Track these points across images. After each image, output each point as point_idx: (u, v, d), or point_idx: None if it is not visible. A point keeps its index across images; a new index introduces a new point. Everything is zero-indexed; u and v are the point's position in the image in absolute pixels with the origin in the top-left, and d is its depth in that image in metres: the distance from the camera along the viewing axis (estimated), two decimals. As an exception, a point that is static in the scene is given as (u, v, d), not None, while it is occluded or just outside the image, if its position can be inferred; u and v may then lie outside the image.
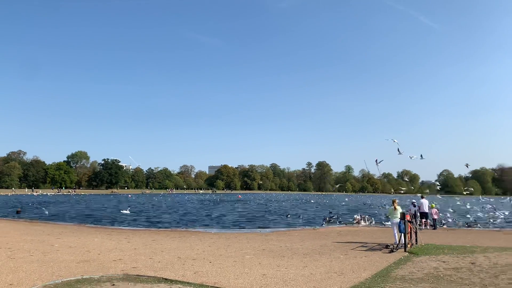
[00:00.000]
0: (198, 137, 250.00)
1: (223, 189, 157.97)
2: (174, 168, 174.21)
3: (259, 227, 22.75)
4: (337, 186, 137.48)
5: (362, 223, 23.69)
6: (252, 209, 42.06)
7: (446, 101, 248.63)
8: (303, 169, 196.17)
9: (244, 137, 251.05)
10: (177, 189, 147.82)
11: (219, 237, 17.19)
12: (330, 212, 34.53)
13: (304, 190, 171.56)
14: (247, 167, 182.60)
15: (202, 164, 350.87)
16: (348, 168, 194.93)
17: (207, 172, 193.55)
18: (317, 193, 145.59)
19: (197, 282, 7.70)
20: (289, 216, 31.46)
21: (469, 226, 23.72)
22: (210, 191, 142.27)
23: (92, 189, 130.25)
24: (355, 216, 25.56)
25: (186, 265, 9.73)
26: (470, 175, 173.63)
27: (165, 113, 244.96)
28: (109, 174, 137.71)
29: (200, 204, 49.75)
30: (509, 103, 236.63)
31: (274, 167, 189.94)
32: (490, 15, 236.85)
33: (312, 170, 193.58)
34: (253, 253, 12.05)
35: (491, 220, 26.99)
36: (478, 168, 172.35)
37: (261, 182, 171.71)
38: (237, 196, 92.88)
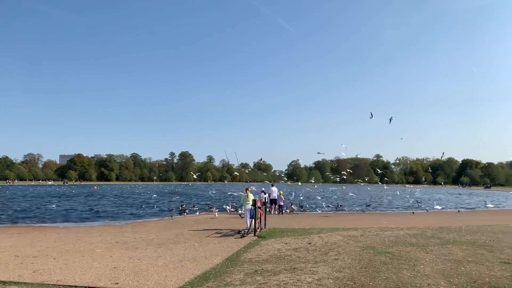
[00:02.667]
0: (46, 122, 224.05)
1: (77, 180, 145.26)
2: (17, 157, 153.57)
3: (113, 219, 21.72)
4: (197, 175, 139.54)
5: (217, 212, 24.58)
6: (108, 200, 39.79)
7: (296, 98, 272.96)
8: (166, 159, 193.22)
9: (101, 124, 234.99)
10: (21, 180, 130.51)
11: (68, 232, 15.89)
12: (182, 202, 35.11)
13: (166, 180, 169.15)
14: (105, 156, 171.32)
15: (52, 152, 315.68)
16: (210, 158, 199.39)
17: (58, 162, 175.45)
18: (179, 183, 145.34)
19: (36, 282, 7.05)
20: (143, 206, 30.86)
21: (304, 210, 26.70)
22: (61, 183, 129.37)
23: None
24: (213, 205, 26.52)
25: (25, 263, 8.79)
26: (314, 166, 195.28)
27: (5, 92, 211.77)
28: None
29: (49, 197, 44.82)
30: (344, 101, 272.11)
31: (134, 157, 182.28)
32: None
33: (175, 160, 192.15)
34: (104, 246, 11.51)
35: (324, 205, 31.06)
36: (320, 160, 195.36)
37: (120, 172, 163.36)
38: (93, 187, 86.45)
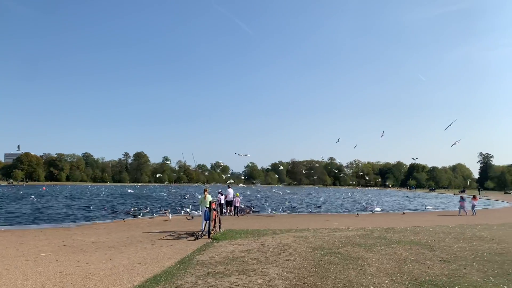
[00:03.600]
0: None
1: (23, 180, 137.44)
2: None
3: (62, 221, 20.81)
4: (157, 175, 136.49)
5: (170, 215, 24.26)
6: (57, 202, 38.02)
7: (253, 100, 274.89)
8: (120, 159, 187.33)
9: (52, 122, 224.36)
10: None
11: (11, 235, 15.00)
12: (132, 203, 34.37)
13: (119, 181, 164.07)
14: (55, 155, 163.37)
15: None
16: (166, 159, 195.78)
17: (3, 161, 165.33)
18: (133, 184, 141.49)
19: (-29, 289, 6.65)
20: (91, 207, 29.85)
21: (257, 212, 26.95)
22: (6, 183, 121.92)
23: None
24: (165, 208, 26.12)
25: (-40, 270, 8.24)
26: (270, 167, 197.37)
27: None
28: None
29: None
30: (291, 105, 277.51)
31: (87, 156, 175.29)
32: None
33: (129, 160, 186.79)
34: (51, 250, 11.02)
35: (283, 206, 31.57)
36: (276, 161, 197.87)
37: (70, 172, 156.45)
38: (42, 188, 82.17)
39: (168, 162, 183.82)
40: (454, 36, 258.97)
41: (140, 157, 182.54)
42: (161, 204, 35.68)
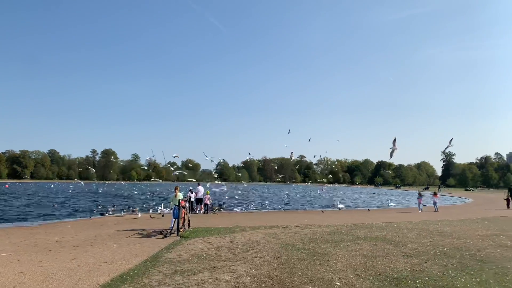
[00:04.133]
0: None
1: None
2: None
3: (25, 220, 20.10)
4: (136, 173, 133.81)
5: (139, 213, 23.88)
6: (20, 200, 36.65)
7: (225, 97, 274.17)
8: (87, 156, 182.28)
9: (14, 117, 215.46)
10: None
11: (-32, 235, 14.38)
12: (98, 201, 33.68)
13: (87, 179, 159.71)
14: (18, 152, 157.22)
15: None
16: (135, 157, 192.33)
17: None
18: (101, 182, 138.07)
19: None
20: (56, 206, 29.00)
21: (226, 209, 26.97)
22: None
23: None
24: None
25: None
26: (242, 165, 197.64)
27: None
28: None
29: None
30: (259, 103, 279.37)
31: (52, 153, 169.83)
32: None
33: (97, 158, 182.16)
34: (12, 249, 10.63)
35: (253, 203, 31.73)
36: (248, 159, 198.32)
37: (35, 170, 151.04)
38: (4, 186, 78.87)
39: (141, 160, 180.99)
40: (421, 38, 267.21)
41: (108, 154, 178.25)
42: (130, 202, 35.06)
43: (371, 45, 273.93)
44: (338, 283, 6.64)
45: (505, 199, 31.19)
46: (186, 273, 7.37)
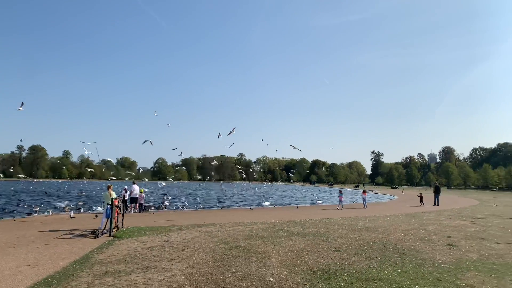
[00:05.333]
0: None
1: None
2: None
3: None
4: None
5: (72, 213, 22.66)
6: None
7: (172, 96, 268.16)
8: (12, 152, 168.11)
9: None
10: None
11: None
12: (20, 200, 31.52)
13: (11, 177, 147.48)
14: None
15: None
16: (67, 153, 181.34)
17: None
18: (28, 180, 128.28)
19: None
20: None
21: (165, 208, 26.46)
22: None
23: None
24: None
25: None
26: (181, 163, 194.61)
27: None
28: None
29: None
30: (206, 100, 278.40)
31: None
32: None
33: (24, 154, 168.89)
34: None
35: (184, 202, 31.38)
36: (187, 157, 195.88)
37: None
38: None
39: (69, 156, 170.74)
40: (356, 43, 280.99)
41: (36, 150, 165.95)
42: (60, 200, 33.01)
43: (310, 49, 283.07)
44: (271, 279, 6.84)
45: (418, 196, 33.67)
46: (118, 274, 7.16)
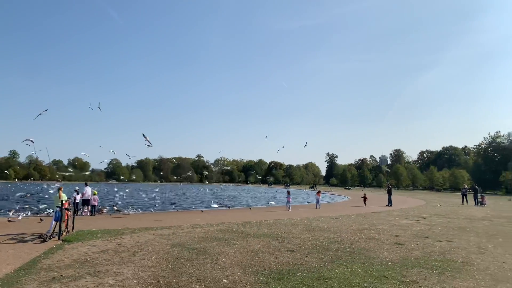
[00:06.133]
0: None
1: None
2: None
3: None
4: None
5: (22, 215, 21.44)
6: None
7: (128, 96, 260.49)
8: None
9: None
10: None
11: None
12: None
13: None
14: None
15: None
16: (13, 153, 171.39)
17: None
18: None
19: None
20: None
21: (119, 210, 25.71)
22: None
23: None
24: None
25: None
26: (136, 164, 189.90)
27: None
28: None
29: None
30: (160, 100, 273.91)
31: None
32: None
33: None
34: None
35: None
36: (143, 158, 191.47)
37: None
38: None
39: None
40: (311, 48, 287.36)
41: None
42: (4, 203, 31.16)
43: (266, 51, 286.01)
44: (225, 280, 6.89)
45: (362, 197, 34.95)
46: (66, 279, 6.91)
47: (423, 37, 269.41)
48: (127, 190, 49.89)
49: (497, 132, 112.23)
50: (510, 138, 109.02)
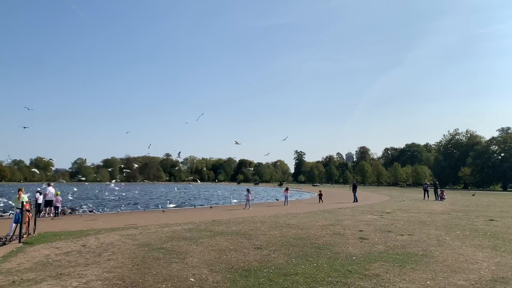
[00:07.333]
0: None
1: None
2: None
3: None
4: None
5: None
6: None
7: (94, 93, 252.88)
8: None
9: None
10: None
11: None
12: None
13: None
14: None
15: None
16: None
17: None
18: None
19: None
20: None
21: (90, 211, 25.20)
22: None
23: None
24: None
25: None
26: (102, 164, 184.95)
27: None
28: None
29: None
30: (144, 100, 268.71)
31: None
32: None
33: None
34: None
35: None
36: (109, 157, 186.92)
37: None
38: None
39: None
40: (278, 47, 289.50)
41: None
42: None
43: (234, 48, 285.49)
44: (192, 279, 6.89)
45: (318, 195, 35.52)
46: (27, 283, 6.70)
47: (387, 37, 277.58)
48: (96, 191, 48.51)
49: (455, 130, 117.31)
50: (468, 135, 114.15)
